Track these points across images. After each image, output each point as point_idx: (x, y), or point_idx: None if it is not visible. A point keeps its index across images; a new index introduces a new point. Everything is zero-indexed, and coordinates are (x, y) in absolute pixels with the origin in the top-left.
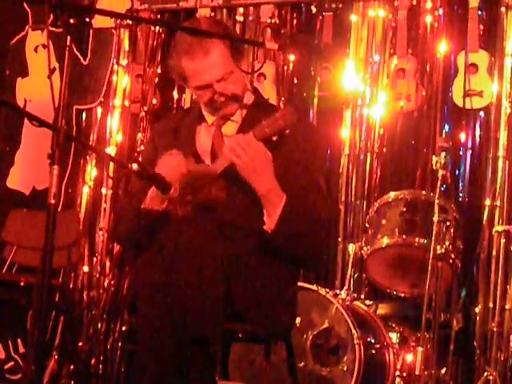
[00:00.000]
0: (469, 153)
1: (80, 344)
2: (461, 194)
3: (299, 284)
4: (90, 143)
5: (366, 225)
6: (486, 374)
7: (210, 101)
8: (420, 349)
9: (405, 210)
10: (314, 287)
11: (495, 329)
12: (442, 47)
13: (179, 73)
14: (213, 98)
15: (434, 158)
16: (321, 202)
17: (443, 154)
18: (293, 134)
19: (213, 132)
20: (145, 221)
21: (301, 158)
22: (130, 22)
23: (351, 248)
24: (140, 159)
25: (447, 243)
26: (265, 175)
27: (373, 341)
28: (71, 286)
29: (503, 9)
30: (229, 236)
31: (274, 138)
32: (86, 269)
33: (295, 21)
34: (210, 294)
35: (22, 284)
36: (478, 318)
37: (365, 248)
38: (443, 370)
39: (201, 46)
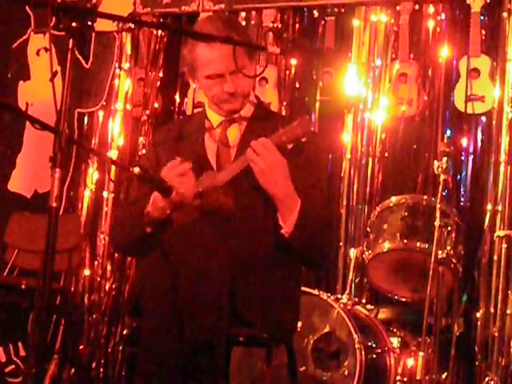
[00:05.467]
0: (470, 158)
1: (81, 347)
2: (462, 199)
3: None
4: (92, 147)
5: (368, 229)
6: (487, 379)
7: (218, 94)
8: (421, 353)
9: (406, 214)
10: (316, 291)
11: (496, 334)
12: (444, 52)
13: (192, 61)
14: (221, 92)
15: (436, 163)
16: (324, 205)
17: (445, 158)
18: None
19: (218, 135)
20: (149, 228)
21: (307, 164)
22: (133, 26)
23: (353, 252)
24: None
25: (448, 248)
26: (282, 180)
27: (374, 345)
28: (72, 289)
29: (505, 14)
30: (233, 241)
31: (290, 146)
32: (87, 272)
33: (297, 25)
34: (216, 299)
35: (23, 287)
36: (479, 323)
37: (366, 252)
38: (444, 375)
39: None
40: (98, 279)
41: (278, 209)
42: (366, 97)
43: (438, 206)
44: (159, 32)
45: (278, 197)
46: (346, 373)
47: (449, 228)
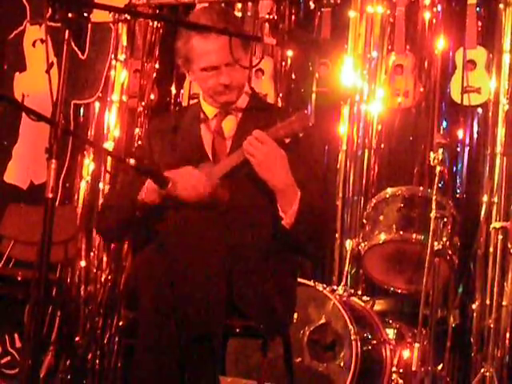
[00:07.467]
0: (466, 149)
1: (77, 339)
2: (458, 191)
3: None
4: (88, 138)
5: (364, 221)
6: (482, 370)
7: (213, 86)
8: (417, 345)
9: (402, 206)
10: (312, 283)
11: (492, 325)
12: (440, 44)
13: (186, 53)
14: (216, 84)
15: (432, 155)
16: (322, 196)
17: (441, 150)
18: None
19: (213, 127)
20: (139, 213)
21: (304, 157)
22: (129, 17)
23: (348, 244)
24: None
25: (444, 239)
26: (281, 171)
27: (369, 337)
28: (68, 280)
29: (501, 5)
30: (230, 233)
31: (287, 141)
32: (83, 263)
33: (293, 16)
34: (212, 290)
35: (19, 278)
36: (474, 315)
37: (362, 244)
38: (440, 367)
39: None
40: (94, 270)
41: (278, 200)
42: (362, 88)
43: (433, 197)
44: (155, 23)
45: (278, 188)
46: (342, 364)
47: (445, 219)
